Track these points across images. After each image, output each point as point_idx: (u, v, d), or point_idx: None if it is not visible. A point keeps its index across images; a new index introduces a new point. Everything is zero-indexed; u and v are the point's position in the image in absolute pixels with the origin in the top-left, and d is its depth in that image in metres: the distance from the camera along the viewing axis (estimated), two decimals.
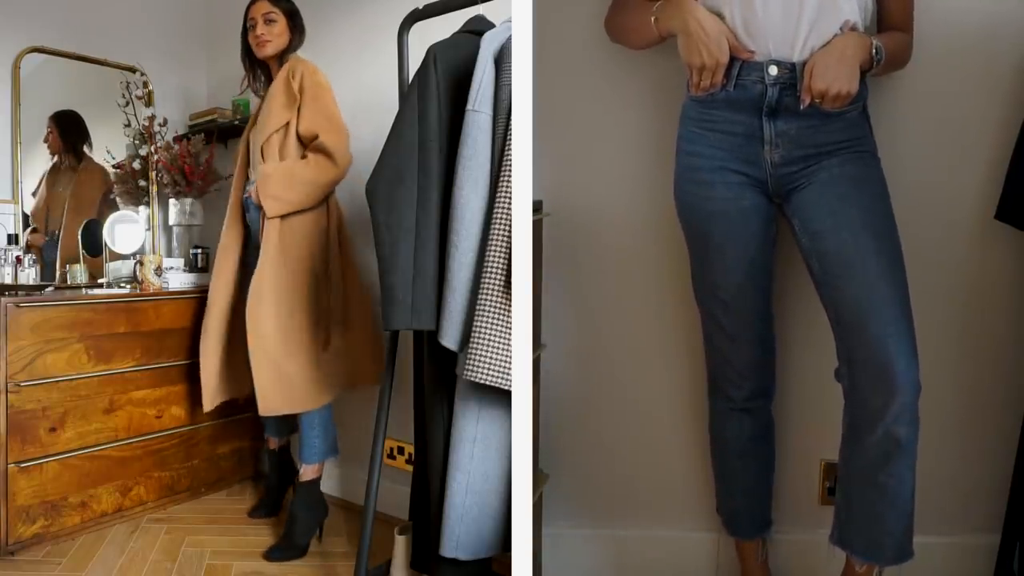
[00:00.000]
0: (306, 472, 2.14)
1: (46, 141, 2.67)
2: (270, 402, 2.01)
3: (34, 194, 2.63)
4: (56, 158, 2.69)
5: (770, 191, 1.47)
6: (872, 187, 1.42)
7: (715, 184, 1.47)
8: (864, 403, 1.37)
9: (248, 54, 2.22)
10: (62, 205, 2.68)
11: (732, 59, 1.41)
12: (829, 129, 1.42)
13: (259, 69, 2.25)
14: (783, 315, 1.69)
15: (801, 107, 1.38)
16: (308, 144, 2.04)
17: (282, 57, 2.16)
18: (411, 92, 1.49)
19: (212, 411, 2.42)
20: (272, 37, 2.12)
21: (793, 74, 1.39)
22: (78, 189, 2.74)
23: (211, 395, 2.22)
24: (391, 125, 1.50)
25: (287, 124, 2.05)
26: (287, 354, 2.01)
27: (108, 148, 2.79)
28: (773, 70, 1.39)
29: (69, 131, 2.73)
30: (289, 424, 2.36)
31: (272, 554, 2.07)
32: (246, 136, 2.26)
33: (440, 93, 1.48)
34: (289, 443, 2.42)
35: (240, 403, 2.40)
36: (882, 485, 1.39)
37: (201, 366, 2.21)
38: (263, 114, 2.12)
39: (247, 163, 2.23)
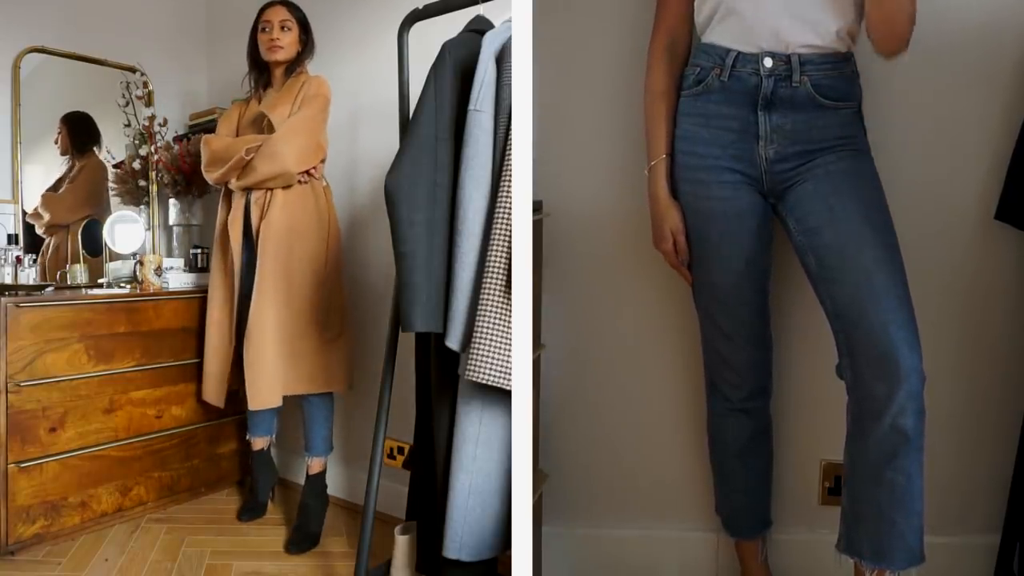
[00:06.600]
0: (315, 465, 2.23)
1: (56, 142, 2.68)
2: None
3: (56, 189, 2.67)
4: (69, 159, 2.71)
5: (765, 189, 1.47)
6: (868, 181, 1.42)
7: (711, 184, 1.46)
8: (868, 395, 1.34)
9: (254, 55, 2.25)
10: (71, 205, 2.71)
11: (726, 49, 1.43)
12: (824, 125, 1.42)
13: (261, 72, 2.27)
14: (780, 314, 1.70)
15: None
16: None
17: (291, 67, 2.21)
18: (427, 87, 1.47)
19: (212, 411, 2.45)
20: (285, 44, 2.18)
21: (788, 66, 1.40)
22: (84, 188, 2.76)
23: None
24: (410, 119, 1.48)
25: None
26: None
27: (108, 148, 2.79)
28: (768, 62, 1.40)
29: (78, 132, 2.74)
30: (272, 424, 2.38)
31: (292, 548, 2.11)
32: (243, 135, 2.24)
33: (453, 89, 1.47)
34: (272, 443, 2.42)
35: (240, 395, 2.39)
36: (890, 483, 1.34)
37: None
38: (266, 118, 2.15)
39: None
